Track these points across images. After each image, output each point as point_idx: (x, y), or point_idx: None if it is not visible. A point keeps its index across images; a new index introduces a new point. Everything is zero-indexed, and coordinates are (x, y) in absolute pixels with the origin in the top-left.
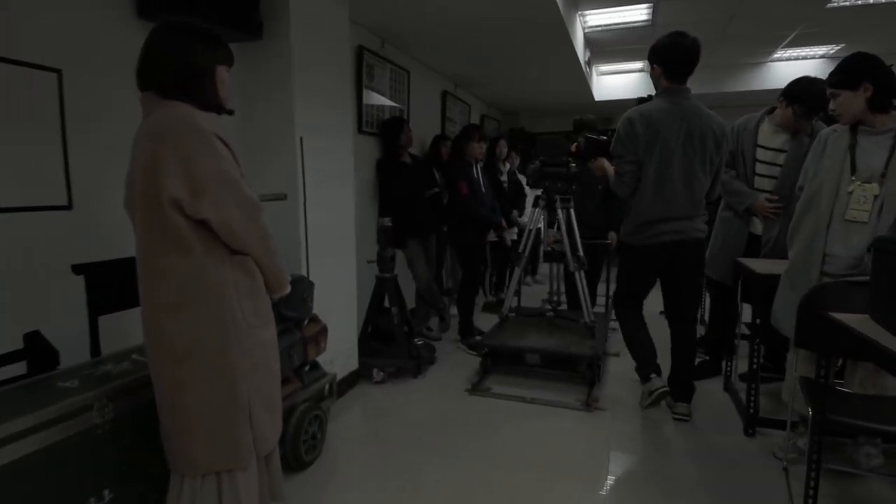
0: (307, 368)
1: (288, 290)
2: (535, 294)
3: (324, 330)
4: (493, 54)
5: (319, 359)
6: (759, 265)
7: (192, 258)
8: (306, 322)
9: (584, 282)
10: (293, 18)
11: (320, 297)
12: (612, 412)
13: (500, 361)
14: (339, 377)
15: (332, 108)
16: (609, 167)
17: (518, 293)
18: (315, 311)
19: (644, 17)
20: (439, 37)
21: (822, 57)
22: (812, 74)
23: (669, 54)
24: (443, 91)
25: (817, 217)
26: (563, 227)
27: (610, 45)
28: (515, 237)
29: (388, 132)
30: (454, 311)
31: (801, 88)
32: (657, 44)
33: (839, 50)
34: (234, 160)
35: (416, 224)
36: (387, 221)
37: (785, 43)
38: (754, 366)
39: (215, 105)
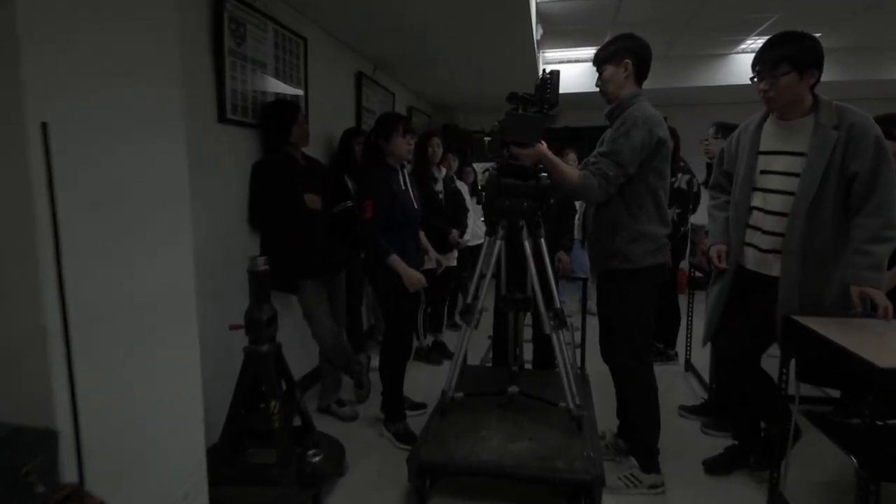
0: None
1: None
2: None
3: None
4: (429, 25)
5: None
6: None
7: None
8: None
9: (565, 346)
10: None
11: (104, 429)
12: None
13: (444, 473)
14: None
15: (139, 73)
16: (551, 155)
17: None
18: (90, 469)
19: None
20: None
21: None
22: None
23: (644, 54)
24: (358, 73)
25: None
26: (533, 267)
27: (563, 24)
28: (455, 263)
29: (271, 122)
30: (375, 362)
31: (803, 43)
32: (628, 42)
33: None
34: None
35: (315, 257)
36: (261, 263)
37: (759, 30)
38: None
39: None
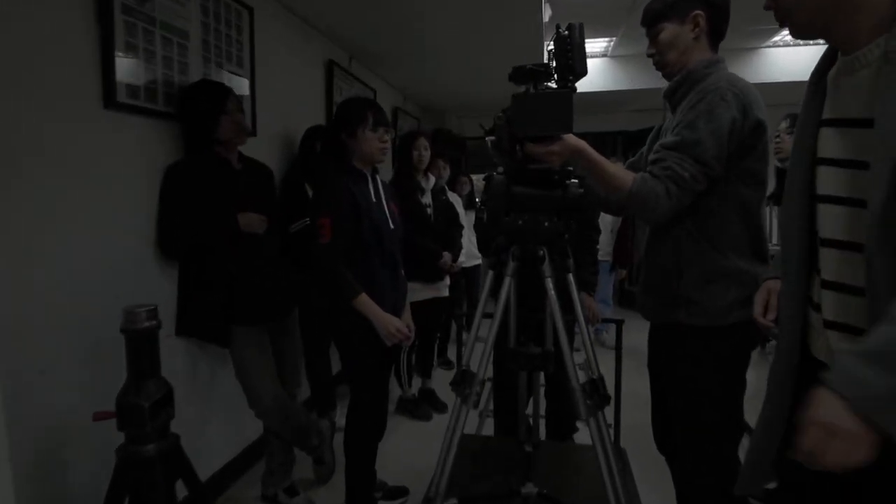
0: None
1: None
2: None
3: None
4: (426, 13)
5: None
6: None
7: None
8: None
9: (608, 436)
10: None
11: None
12: None
13: None
14: None
15: None
16: (590, 149)
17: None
18: None
19: None
20: None
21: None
22: (812, 65)
23: (722, 1)
24: (328, 61)
25: None
26: (556, 317)
27: (573, 7)
28: (447, 292)
29: (190, 111)
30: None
31: None
32: None
33: None
34: None
35: (253, 293)
36: (142, 318)
37: None
38: None
39: None
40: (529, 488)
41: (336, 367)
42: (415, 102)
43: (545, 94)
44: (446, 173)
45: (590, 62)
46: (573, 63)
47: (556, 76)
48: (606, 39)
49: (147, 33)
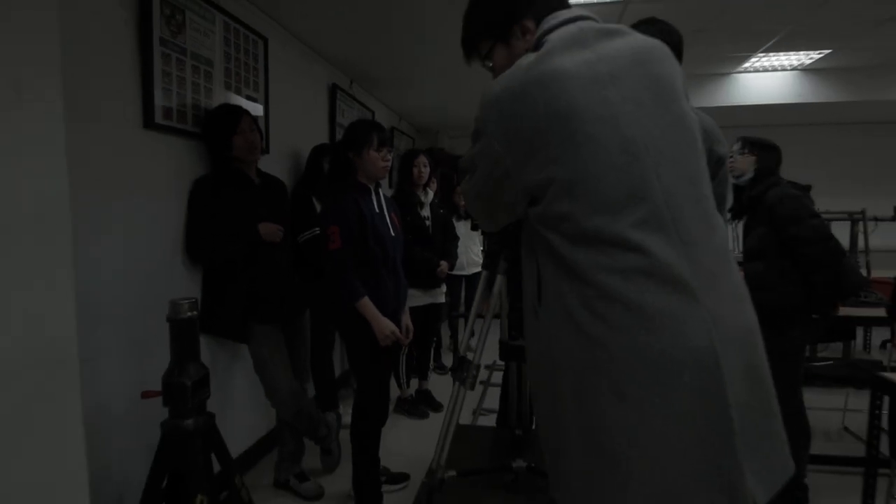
0: None
1: None
2: (445, 386)
3: None
4: (423, 28)
5: None
6: None
7: None
8: None
9: None
10: None
11: None
12: None
13: None
14: None
15: None
16: None
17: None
18: None
19: None
20: None
21: (795, 69)
22: (784, 89)
23: (678, 44)
24: (332, 85)
25: None
26: None
27: None
28: (443, 299)
29: (212, 131)
30: (348, 417)
31: None
32: (651, 30)
33: (820, 59)
34: None
35: (271, 297)
36: (185, 308)
37: (766, 47)
38: None
39: None
40: (519, 463)
41: (338, 370)
42: (410, 122)
43: None
44: (434, 187)
45: None
46: None
47: None
48: None
49: (179, 62)
